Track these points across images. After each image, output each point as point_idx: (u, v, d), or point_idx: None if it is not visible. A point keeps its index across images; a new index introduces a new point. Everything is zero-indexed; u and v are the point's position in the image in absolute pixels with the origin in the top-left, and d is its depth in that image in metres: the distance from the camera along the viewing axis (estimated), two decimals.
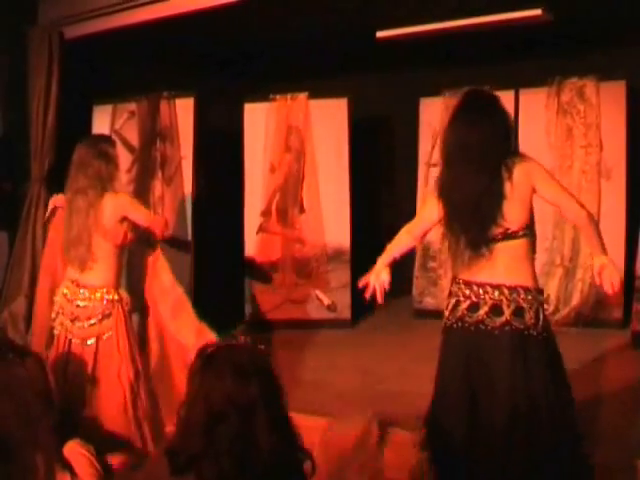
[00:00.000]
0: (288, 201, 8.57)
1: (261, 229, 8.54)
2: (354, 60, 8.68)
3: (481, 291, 4.09)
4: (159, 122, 8.10)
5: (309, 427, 5.26)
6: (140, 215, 5.31)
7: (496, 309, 4.04)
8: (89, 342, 5.11)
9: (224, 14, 6.96)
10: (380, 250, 9.73)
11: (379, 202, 9.81)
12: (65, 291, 5.21)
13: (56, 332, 5.18)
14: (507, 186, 3.98)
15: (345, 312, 8.44)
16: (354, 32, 7.77)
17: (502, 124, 4.09)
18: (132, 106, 8.18)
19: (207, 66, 8.92)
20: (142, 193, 7.95)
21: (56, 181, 5.53)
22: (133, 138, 8.15)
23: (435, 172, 8.43)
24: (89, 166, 5.10)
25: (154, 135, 8.13)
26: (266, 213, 8.56)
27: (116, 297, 5.20)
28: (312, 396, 5.96)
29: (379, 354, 7.24)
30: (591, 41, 7.44)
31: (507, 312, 4.02)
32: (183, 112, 8.09)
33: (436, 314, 8.35)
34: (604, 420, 5.10)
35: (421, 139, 8.82)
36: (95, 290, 5.15)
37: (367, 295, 4.54)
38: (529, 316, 4.02)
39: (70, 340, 5.14)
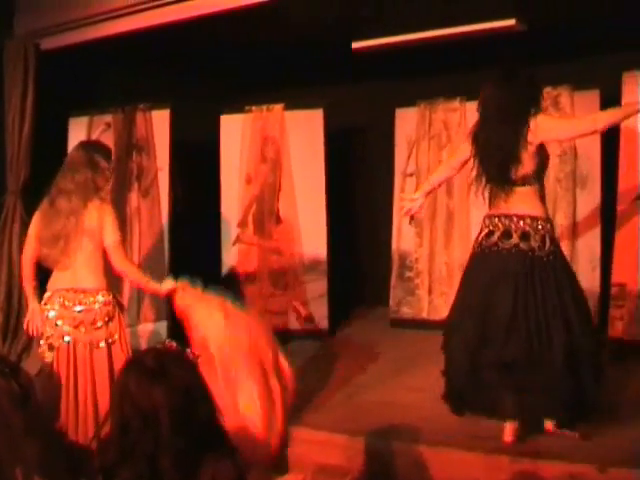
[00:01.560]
0: (264, 212, 8.58)
1: (238, 240, 8.55)
2: (330, 71, 8.70)
3: (496, 220, 5.02)
4: (135, 134, 8.10)
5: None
6: (111, 236, 5.25)
7: (507, 234, 4.95)
8: (101, 345, 5.18)
9: (200, 26, 6.98)
10: (357, 260, 9.81)
11: (356, 212, 9.83)
12: (60, 300, 5.19)
13: (57, 344, 5.15)
14: (529, 137, 4.93)
15: (322, 322, 8.45)
16: (330, 43, 7.79)
17: (528, 87, 5.15)
18: (108, 118, 8.18)
19: (183, 78, 8.92)
20: (118, 205, 7.91)
21: (32, 193, 5.51)
22: None
23: (411, 182, 8.55)
24: (78, 172, 5.19)
25: (130, 147, 8.14)
26: (242, 224, 8.57)
27: (114, 300, 5.32)
28: (291, 407, 5.99)
29: (356, 364, 7.23)
30: (565, 51, 7.48)
31: (515, 236, 4.92)
32: (159, 124, 8.09)
33: (413, 324, 8.46)
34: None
35: (397, 149, 8.85)
36: (92, 294, 5.21)
37: (407, 216, 5.62)
38: (534, 240, 4.90)
39: (74, 347, 5.14)
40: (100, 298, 5.21)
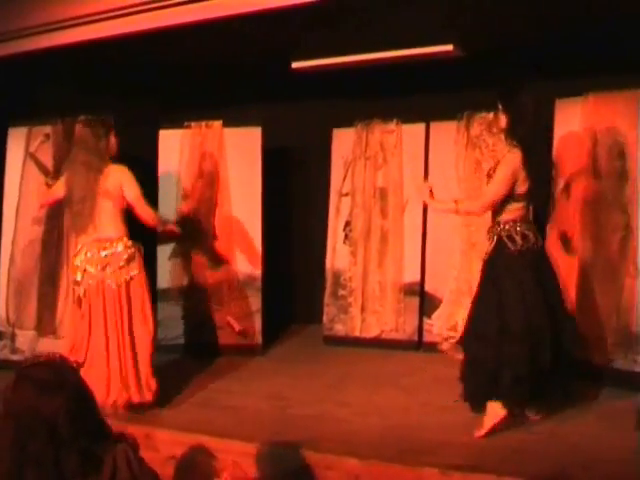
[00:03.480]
0: (201, 227, 8.60)
1: (174, 254, 8.56)
2: (269, 90, 8.77)
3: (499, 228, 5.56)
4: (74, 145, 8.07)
5: (221, 450, 5.36)
6: (132, 192, 6.30)
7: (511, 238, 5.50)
8: (124, 280, 6.26)
9: (141, 41, 7.00)
10: (291, 277, 9.85)
11: (291, 230, 9.89)
12: (87, 252, 6.29)
13: (84, 288, 6.27)
14: None
15: (256, 338, 8.48)
16: (269, 62, 7.86)
17: None
18: (47, 129, 8.13)
19: (123, 91, 8.93)
20: (56, 217, 7.90)
21: None
22: (48, 161, 8.10)
23: (346, 201, 8.65)
24: (89, 143, 6.31)
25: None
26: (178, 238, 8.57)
27: (134, 244, 6.36)
28: (224, 420, 6.04)
29: (289, 379, 7.30)
30: (499, 75, 7.61)
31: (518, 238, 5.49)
32: None
33: (346, 341, 8.55)
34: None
35: (333, 169, 8.94)
36: (114, 241, 6.29)
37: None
38: (531, 237, 5.51)
39: (102, 286, 6.23)
40: (121, 243, 6.28)
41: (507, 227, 5.49)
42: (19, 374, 2.75)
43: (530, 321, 5.34)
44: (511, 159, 5.44)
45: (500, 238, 5.51)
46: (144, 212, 6.37)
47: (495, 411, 5.38)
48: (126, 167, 6.38)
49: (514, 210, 5.51)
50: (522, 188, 5.44)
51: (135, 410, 6.16)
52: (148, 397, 6.25)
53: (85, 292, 6.28)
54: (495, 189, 5.48)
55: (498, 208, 5.55)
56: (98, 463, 2.67)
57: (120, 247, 6.27)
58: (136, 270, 6.32)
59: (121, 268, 6.25)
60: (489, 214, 5.69)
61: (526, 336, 5.30)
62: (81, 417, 2.69)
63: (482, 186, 7.33)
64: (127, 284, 6.26)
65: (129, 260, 6.28)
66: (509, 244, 5.46)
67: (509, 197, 5.46)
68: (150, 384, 6.29)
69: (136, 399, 6.20)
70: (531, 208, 5.70)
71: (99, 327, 6.22)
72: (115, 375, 6.17)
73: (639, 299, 6.42)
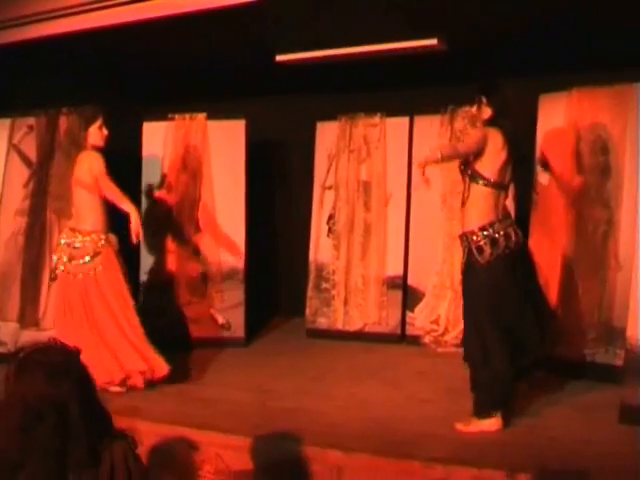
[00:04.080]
0: (184, 220, 8.60)
1: (156, 247, 8.52)
2: (253, 83, 8.76)
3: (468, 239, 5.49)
4: (58, 137, 8.04)
5: (203, 442, 5.36)
6: (96, 168, 6.44)
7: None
8: (89, 274, 6.48)
9: (125, 33, 6.98)
10: (275, 270, 9.84)
11: (275, 223, 9.90)
12: (65, 238, 6.59)
13: (58, 272, 6.65)
14: None
15: (239, 331, 8.50)
16: (254, 55, 7.85)
17: None
18: (31, 120, 8.10)
19: (107, 83, 8.91)
20: (39, 209, 7.91)
21: None
22: (31, 153, 8.07)
23: (330, 194, 8.65)
24: (73, 132, 6.66)
25: (52, 150, 8.08)
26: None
27: (104, 241, 6.56)
28: (206, 412, 6.02)
29: (272, 372, 7.31)
30: (485, 71, 7.63)
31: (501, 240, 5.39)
32: None
33: (328, 334, 8.55)
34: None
35: (317, 162, 8.95)
36: (87, 234, 6.52)
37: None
38: (501, 241, 5.38)
39: (69, 275, 6.53)
40: (92, 237, 6.52)
41: (476, 238, 5.39)
42: (23, 360, 2.71)
43: (509, 330, 5.35)
44: (482, 127, 5.56)
45: (470, 250, 5.45)
46: (107, 187, 6.46)
47: (491, 423, 5.38)
48: (97, 154, 6.52)
49: (486, 206, 5.41)
50: (493, 169, 5.35)
51: (149, 386, 6.59)
52: (160, 373, 6.61)
53: (56, 276, 6.80)
54: (468, 141, 5.53)
55: (470, 197, 5.48)
56: (98, 458, 2.66)
57: (87, 243, 6.54)
58: (100, 266, 6.54)
59: (85, 263, 6.52)
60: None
61: (506, 350, 5.31)
62: (89, 403, 2.68)
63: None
64: (94, 278, 6.52)
65: (94, 255, 6.54)
66: (478, 257, 5.38)
67: (480, 178, 5.37)
68: (156, 360, 6.61)
69: (148, 375, 6.57)
70: (506, 202, 5.60)
71: (67, 311, 6.55)
72: (106, 357, 6.39)
73: (621, 293, 6.44)
